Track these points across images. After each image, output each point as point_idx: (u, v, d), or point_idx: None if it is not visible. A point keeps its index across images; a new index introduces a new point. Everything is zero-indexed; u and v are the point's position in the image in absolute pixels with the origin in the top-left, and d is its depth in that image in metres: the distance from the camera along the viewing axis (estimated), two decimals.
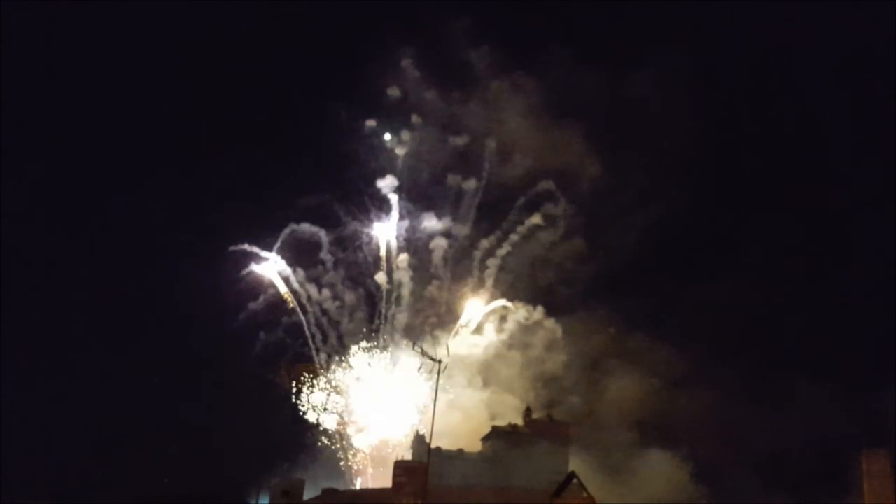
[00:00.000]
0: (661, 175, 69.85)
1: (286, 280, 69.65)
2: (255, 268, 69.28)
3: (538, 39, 78.35)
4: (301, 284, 69.90)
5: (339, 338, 69.37)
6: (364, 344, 68.37)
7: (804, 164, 75.91)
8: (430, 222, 71.14)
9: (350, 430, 65.95)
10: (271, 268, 69.41)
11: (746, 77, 79.82)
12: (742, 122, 78.04)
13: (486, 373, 68.14)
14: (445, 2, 78.01)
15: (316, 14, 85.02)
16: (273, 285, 69.58)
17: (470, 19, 74.19)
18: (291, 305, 69.07)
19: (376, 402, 66.32)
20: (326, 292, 70.19)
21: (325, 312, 70.08)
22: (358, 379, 67.32)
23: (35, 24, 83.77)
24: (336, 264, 71.08)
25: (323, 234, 71.25)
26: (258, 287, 69.35)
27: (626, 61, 75.80)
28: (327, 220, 71.23)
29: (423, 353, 53.42)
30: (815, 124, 76.00)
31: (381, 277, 70.34)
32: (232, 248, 69.27)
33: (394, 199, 71.22)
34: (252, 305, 68.86)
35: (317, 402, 66.07)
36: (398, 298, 70.29)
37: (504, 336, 69.21)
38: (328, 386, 66.70)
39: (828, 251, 72.42)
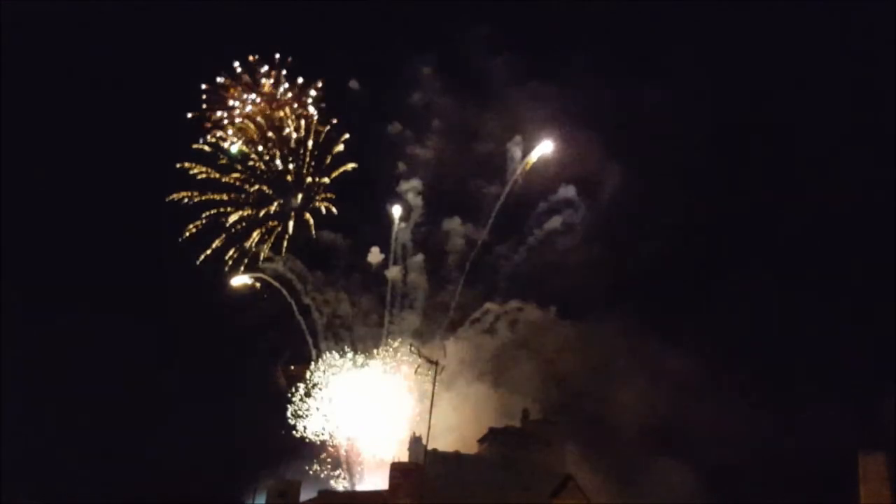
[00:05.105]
0: (679, 183, 70.61)
1: (303, 280, 70.38)
2: (268, 268, 70.03)
3: (557, 47, 79.40)
4: (315, 287, 70.64)
5: (350, 340, 70.41)
6: (371, 345, 69.16)
7: (815, 172, 75.80)
8: (452, 224, 72.11)
9: (346, 432, 66.36)
10: (283, 268, 70.11)
11: (766, 85, 79.62)
12: (760, 131, 77.91)
13: (496, 373, 68.56)
14: (464, 10, 78.99)
15: (335, 22, 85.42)
16: (284, 285, 70.27)
17: (489, 27, 75.27)
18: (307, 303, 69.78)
19: (375, 403, 66.67)
20: (341, 295, 71.00)
21: (337, 315, 70.71)
22: (358, 379, 67.71)
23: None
24: (352, 268, 72.34)
25: (340, 238, 72.25)
26: (268, 287, 70.14)
27: (645, 69, 76.97)
28: (345, 224, 72.58)
29: (420, 355, 53.45)
30: (832, 133, 75.83)
31: (393, 276, 71.08)
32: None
33: (413, 202, 72.56)
34: (262, 305, 69.80)
35: (312, 403, 66.62)
36: (412, 302, 71.02)
37: (515, 336, 69.84)
38: (326, 388, 67.18)
39: (830, 256, 72.26)
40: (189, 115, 72.64)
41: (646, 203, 71.96)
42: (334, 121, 73.75)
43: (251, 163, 73.60)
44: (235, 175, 73.36)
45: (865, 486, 49.35)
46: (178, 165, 72.65)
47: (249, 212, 73.23)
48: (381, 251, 72.23)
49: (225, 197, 72.78)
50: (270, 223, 73.47)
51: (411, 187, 72.80)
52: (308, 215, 73.18)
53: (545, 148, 71.34)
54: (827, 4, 77.04)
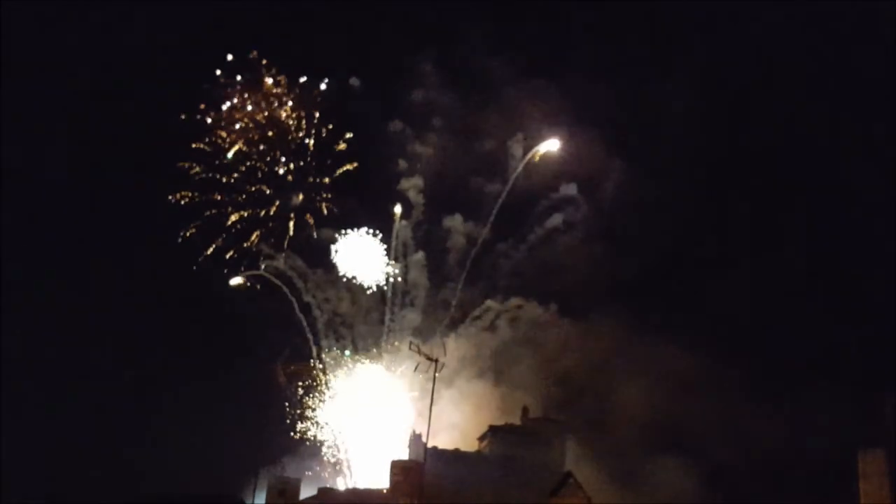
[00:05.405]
0: (680, 181, 70.84)
1: (303, 278, 70.53)
2: (268, 266, 70.07)
3: (558, 45, 79.66)
4: (316, 285, 70.72)
5: (350, 338, 70.38)
6: (372, 343, 69.28)
7: (816, 171, 75.94)
8: (453, 222, 72.17)
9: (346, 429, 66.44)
10: (283, 266, 70.27)
11: (768, 83, 79.66)
12: (762, 129, 78.06)
13: (496, 370, 68.68)
14: (465, 8, 79.21)
15: (336, 20, 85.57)
16: (285, 283, 70.38)
17: (490, 25, 75.55)
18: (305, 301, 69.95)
19: (375, 400, 66.75)
20: (342, 293, 71.04)
21: (337, 314, 70.84)
22: (359, 377, 67.83)
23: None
24: (353, 266, 71.85)
25: (341, 236, 72.37)
26: (269, 286, 70.23)
27: (646, 67, 77.00)
28: (347, 222, 72.34)
29: (420, 353, 53.41)
30: (835, 133, 75.84)
31: (393, 274, 71.23)
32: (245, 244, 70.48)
33: (414, 200, 72.44)
34: (262, 303, 69.81)
35: (312, 401, 66.75)
36: (413, 300, 71.09)
37: (515, 334, 69.82)
38: (326, 385, 67.31)
39: (830, 255, 72.35)
40: (189, 115, 72.60)
41: (646, 201, 72.11)
42: (335, 119, 73.81)
43: (251, 162, 73.65)
44: (235, 175, 73.38)
45: (865, 482, 49.57)
46: (178, 165, 72.56)
47: (249, 212, 73.25)
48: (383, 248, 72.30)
49: (225, 197, 72.82)
50: (270, 223, 73.55)
51: (412, 185, 72.87)
52: (308, 215, 73.26)
53: (551, 145, 71.43)
54: (828, 5, 77.27)
